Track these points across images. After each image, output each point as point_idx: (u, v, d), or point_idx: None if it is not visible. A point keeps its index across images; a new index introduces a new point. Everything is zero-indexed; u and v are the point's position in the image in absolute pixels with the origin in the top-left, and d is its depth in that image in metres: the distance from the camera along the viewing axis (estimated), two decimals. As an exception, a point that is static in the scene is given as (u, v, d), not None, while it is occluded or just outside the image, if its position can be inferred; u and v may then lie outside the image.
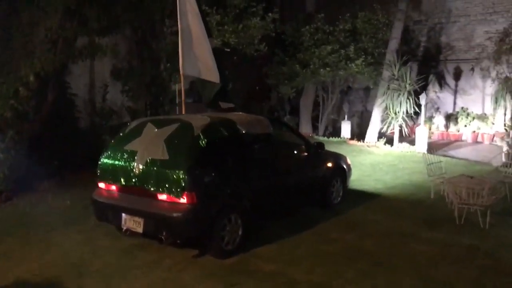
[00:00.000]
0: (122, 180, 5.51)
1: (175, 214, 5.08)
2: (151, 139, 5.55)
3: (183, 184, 5.02)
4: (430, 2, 18.17)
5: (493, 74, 15.24)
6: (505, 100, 16.33)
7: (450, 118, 17.83)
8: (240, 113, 6.72)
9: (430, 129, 17.14)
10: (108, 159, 5.71)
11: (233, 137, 5.75)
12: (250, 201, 5.73)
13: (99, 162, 5.81)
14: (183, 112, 7.56)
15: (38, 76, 8.01)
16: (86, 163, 10.19)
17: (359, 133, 16.84)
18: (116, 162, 5.60)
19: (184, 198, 5.07)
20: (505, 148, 11.71)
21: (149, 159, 5.33)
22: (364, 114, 20.02)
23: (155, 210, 5.23)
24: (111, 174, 5.65)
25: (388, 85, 14.04)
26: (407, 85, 13.68)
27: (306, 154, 6.96)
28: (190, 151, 5.23)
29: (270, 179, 6.20)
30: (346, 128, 16.20)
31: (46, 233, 6.41)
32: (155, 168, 5.24)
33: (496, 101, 16.51)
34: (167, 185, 5.12)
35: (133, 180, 5.39)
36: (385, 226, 6.67)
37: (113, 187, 5.69)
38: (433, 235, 6.32)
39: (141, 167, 5.34)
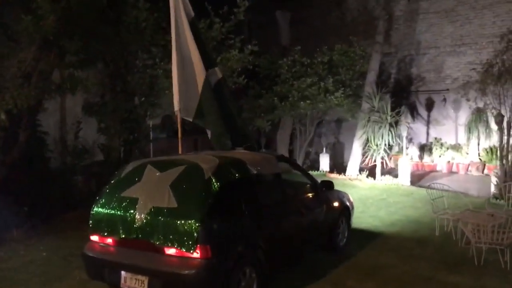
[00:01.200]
0: (120, 232, 4.80)
1: (186, 271, 4.41)
2: (154, 184, 4.90)
3: (196, 236, 4.38)
4: (399, 35, 18.38)
5: (469, 103, 15.34)
6: (478, 131, 16.51)
7: (424, 148, 17.82)
8: (243, 151, 6.18)
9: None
10: (103, 208, 5.00)
11: (245, 179, 5.18)
12: (263, 250, 5.13)
13: (92, 212, 5.08)
14: (181, 151, 6.93)
15: (9, 114, 7.22)
16: (58, 207, 9.37)
17: (333, 165, 16.55)
18: (113, 212, 4.89)
19: (197, 253, 4.42)
20: (494, 179, 11.59)
21: (153, 208, 4.66)
22: (336, 146, 19.85)
23: (162, 267, 4.54)
24: (107, 226, 4.93)
25: (369, 117, 13.84)
26: (388, 117, 13.52)
27: (314, 193, 6.45)
28: (202, 197, 4.61)
29: (282, 223, 5.64)
30: (324, 161, 15.87)
31: (25, 295, 5.55)
32: (161, 218, 4.57)
33: (469, 131, 16.68)
34: (176, 238, 4.47)
35: (135, 232, 4.69)
36: (402, 271, 6.18)
37: (109, 240, 4.96)
38: (456, 279, 5.88)
39: (143, 217, 4.66)
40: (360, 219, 9.01)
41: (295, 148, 17.71)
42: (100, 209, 5.01)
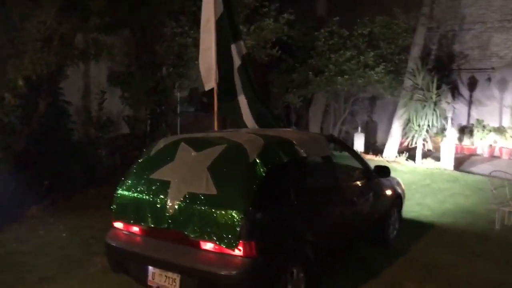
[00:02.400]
0: (149, 220, 4.10)
1: (226, 272, 3.70)
2: (189, 166, 4.16)
3: (239, 230, 3.65)
4: (442, 8, 17.11)
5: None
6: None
7: (464, 130, 16.76)
8: (289, 129, 5.39)
9: (441, 141, 16.05)
10: (129, 191, 4.30)
11: (294, 163, 4.41)
12: (313, 246, 4.39)
13: (116, 194, 4.39)
14: (216, 127, 6.18)
15: (28, 81, 6.56)
16: (81, 182, 8.79)
17: (366, 146, 15.65)
18: (140, 196, 4.19)
19: (239, 250, 3.69)
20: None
21: (187, 194, 3.94)
22: (369, 125, 18.89)
23: (197, 265, 3.83)
24: (133, 212, 4.24)
25: (411, 95, 12.83)
26: (433, 96, 12.50)
27: (367, 180, 5.64)
28: (246, 183, 3.85)
29: (333, 214, 4.88)
30: (359, 141, 14.97)
31: (37, 285, 4.93)
32: (197, 207, 3.85)
33: (516, 113, 15.57)
34: (215, 231, 3.75)
35: (165, 221, 3.99)
36: (466, 273, 5.37)
37: (136, 229, 4.27)
38: (533, 284, 5.06)
39: (176, 204, 3.95)
40: (407, 207, 8.12)
41: (327, 126, 16.85)
42: (125, 192, 4.31)
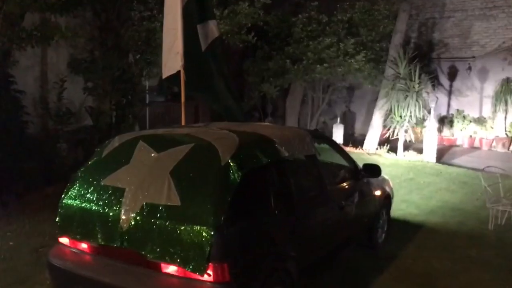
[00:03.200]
0: (99, 236, 3.37)
1: (193, 301, 3.02)
2: (148, 170, 3.44)
3: (209, 250, 2.96)
4: (421, -4, 16.67)
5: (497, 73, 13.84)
6: (506, 103, 15.06)
7: (444, 121, 16.43)
8: (267, 124, 4.71)
9: (420, 132, 15.63)
10: (75, 200, 3.55)
11: (274, 166, 3.73)
12: (296, 260, 3.74)
13: (60, 204, 3.64)
14: (184, 121, 5.43)
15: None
16: (36, 180, 7.95)
17: (345, 137, 15.11)
18: (89, 207, 3.46)
19: (209, 274, 3.00)
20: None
21: (145, 205, 3.23)
22: (347, 116, 18.37)
23: (157, 292, 3.14)
24: (81, 226, 3.50)
25: (393, 85, 12.29)
26: (416, 85, 11.98)
27: (355, 180, 5.01)
28: (218, 192, 3.15)
29: (319, 223, 4.23)
30: (338, 132, 14.38)
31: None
32: (156, 221, 3.14)
33: (496, 102, 15.23)
34: (178, 251, 3.05)
35: (119, 238, 3.27)
36: (464, 281, 4.83)
37: (84, 246, 3.53)
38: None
39: (132, 217, 3.23)
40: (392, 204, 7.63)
41: (304, 116, 16.23)
42: (71, 202, 3.57)
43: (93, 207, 3.43)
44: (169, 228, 3.09)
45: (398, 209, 7.43)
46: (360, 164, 5.20)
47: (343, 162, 5.14)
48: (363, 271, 5.01)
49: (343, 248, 4.89)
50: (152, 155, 3.53)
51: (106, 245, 3.35)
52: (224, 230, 3.03)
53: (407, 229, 6.53)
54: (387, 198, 5.79)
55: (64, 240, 3.63)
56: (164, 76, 5.64)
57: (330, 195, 4.41)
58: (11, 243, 5.66)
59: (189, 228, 3.02)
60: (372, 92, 16.19)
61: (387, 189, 5.84)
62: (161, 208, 3.17)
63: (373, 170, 5.07)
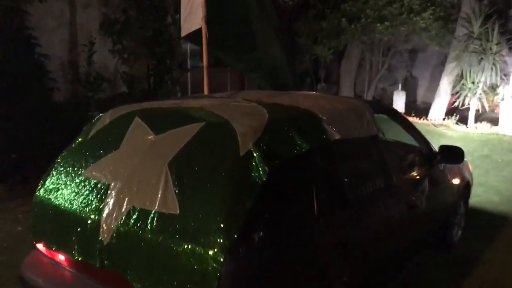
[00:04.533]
0: (75, 248, 2.46)
1: None
2: (141, 158, 2.46)
3: (217, 284, 1.97)
4: None
5: None
6: None
7: (520, 87, 14.49)
8: (315, 93, 3.61)
9: (492, 101, 13.84)
10: (51, 194, 2.66)
11: (319, 154, 2.64)
12: (349, 277, 2.69)
13: (34, 199, 2.76)
14: (206, 91, 4.41)
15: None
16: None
17: (406, 106, 13.62)
18: (66, 206, 2.55)
19: (217, 317, 2.03)
20: None
21: (133, 210, 2.27)
22: (409, 82, 16.73)
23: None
24: (56, 231, 2.62)
25: (465, 46, 10.67)
26: (494, 46, 10.32)
27: (428, 167, 3.83)
28: (233, 197, 2.12)
29: (380, 228, 3.13)
30: (400, 100, 12.94)
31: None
32: (145, 235, 2.18)
33: None
34: (174, 281, 2.09)
35: (98, 254, 2.34)
36: None
37: (62, 258, 2.64)
38: None
39: (115, 226, 2.28)
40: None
41: (361, 82, 14.81)
42: (46, 197, 2.67)
43: (70, 207, 2.51)
44: (162, 246, 2.13)
45: (474, 195, 6.11)
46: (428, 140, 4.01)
47: (413, 142, 3.96)
48: (433, 282, 3.91)
49: (410, 255, 3.78)
50: (149, 137, 2.54)
51: (83, 261, 2.44)
52: (240, 254, 2.04)
53: (488, 222, 5.32)
54: (467, 187, 4.59)
55: (41, 246, 2.76)
56: (182, 35, 4.62)
57: (396, 191, 3.28)
58: (19, 228, 4.97)
59: (189, 250, 2.04)
60: (438, 55, 14.53)
61: (467, 175, 4.62)
62: (153, 217, 2.20)
63: (454, 154, 3.85)
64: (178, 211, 2.15)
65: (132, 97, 8.94)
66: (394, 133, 4.10)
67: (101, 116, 2.92)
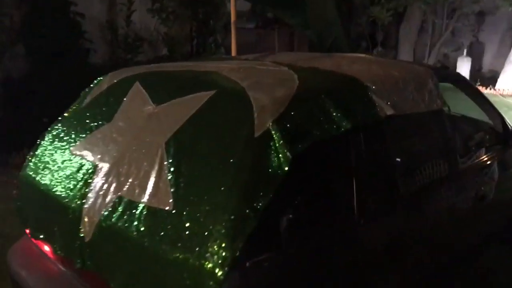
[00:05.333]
0: (57, 241, 2.02)
1: None
2: (135, 134, 1.95)
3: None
4: None
5: None
6: None
7: None
8: (364, 56, 2.95)
9: None
10: (37, 173, 2.22)
11: (364, 134, 2.02)
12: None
13: (20, 177, 2.34)
14: (234, 51, 3.80)
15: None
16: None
17: (471, 74, 12.44)
18: (50, 188, 2.10)
19: None
20: None
21: (118, 200, 1.78)
22: (474, 48, 15.34)
23: None
24: (41, 218, 2.19)
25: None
26: None
27: (503, 149, 3.12)
28: (242, 193, 1.57)
29: (442, 227, 2.49)
30: (464, 67, 11.81)
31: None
32: (131, 234, 1.68)
33: None
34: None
35: (78, 251, 1.88)
36: None
37: (48, 249, 2.21)
38: None
39: (97, 220, 1.81)
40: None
41: (422, 48, 13.67)
42: (31, 177, 2.24)
43: (55, 191, 2.07)
44: (149, 251, 1.63)
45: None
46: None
47: (485, 119, 3.25)
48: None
49: (479, 253, 3.13)
50: (147, 108, 2.02)
51: (66, 256, 2.00)
52: (246, 270, 1.51)
53: None
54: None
55: (29, 232, 2.34)
56: None
57: (463, 179, 2.62)
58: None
59: (180, 259, 1.54)
60: (509, 18, 13.13)
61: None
62: (141, 211, 1.71)
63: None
64: (171, 207, 1.64)
65: (174, 60, 8.53)
66: (462, 107, 3.39)
67: (100, 79, 2.43)
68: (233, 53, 3.73)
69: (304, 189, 1.76)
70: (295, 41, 11.59)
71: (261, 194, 1.57)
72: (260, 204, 1.55)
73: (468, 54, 13.37)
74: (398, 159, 2.16)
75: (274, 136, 1.65)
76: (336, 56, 2.78)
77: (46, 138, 2.29)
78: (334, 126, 1.84)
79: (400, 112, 2.17)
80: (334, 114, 1.86)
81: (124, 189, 1.80)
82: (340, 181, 1.90)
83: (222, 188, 1.59)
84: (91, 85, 2.44)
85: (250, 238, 1.51)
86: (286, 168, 1.61)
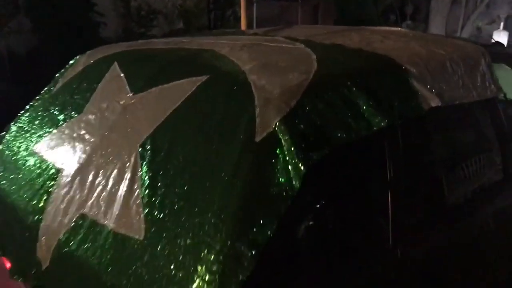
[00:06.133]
0: (13, 263, 1.63)
1: None
2: (107, 131, 1.53)
3: None
4: None
5: None
6: None
7: None
8: (398, 29, 2.45)
9: None
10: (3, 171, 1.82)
11: (403, 133, 1.54)
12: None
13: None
14: (244, 25, 3.30)
15: None
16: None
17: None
18: (10, 194, 1.70)
19: None
20: None
21: (80, 219, 1.37)
22: (509, 21, 14.38)
23: None
24: (1, 231, 1.79)
25: None
26: None
27: None
28: (233, 225, 1.14)
29: (497, 246, 2.02)
30: (501, 41, 10.99)
31: None
32: (96, 267, 1.27)
33: None
34: None
35: (34, 271, 1.48)
36: None
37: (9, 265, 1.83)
38: None
39: (55, 242, 1.40)
40: None
41: (454, 21, 12.85)
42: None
43: (13, 199, 1.67)
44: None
45: None
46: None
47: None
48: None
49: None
50: (123, 97, 1.59)
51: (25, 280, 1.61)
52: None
53: None
54: None
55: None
56: None
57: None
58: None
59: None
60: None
61: None
62: (106, 238, 1.29)
63: None
64: (142, 236, 1.22)
65: (190, 34, 8.08)
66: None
67: (77, 58, 2.00)
68: (243, 26, 3.24)
69: (321, 213, 1.31)
70: (319, 14, 10.94)
71: (262, 222, 1.14)
72: (261, 237, 1.12)
73: (504, 28, 12.48)
74: (446, 165, 1.68)
75: (282, 140, 1.21)
76: (364, 30, 2.27)
77: (10, 132, 1.89)
78: (364, 125, 1.38)
79: (448, 102, 1.69)
80: (364, 108, 1.40)
81: (88, 205, 1.39)
82: (371, 200, 1.44)
83: (208, 214, 1.16)
84: (66, 66, 2.01)
85: (245, 285, 1.09)
86: (298, 185, 1.17)
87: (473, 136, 1.99)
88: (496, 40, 10.77)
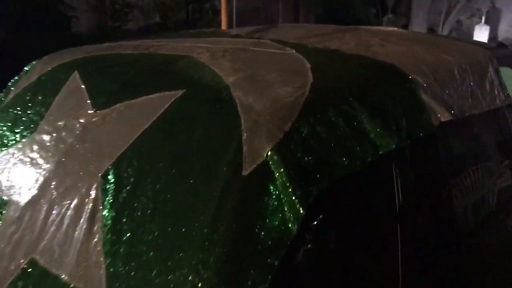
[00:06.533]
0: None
1: None
2: (63, 156, 1.27)
3: None
4: None
5: None
6: None
7: None
8: (398, 30, 2.23)
9: None
10: None
11: (413, 155, 1.33)
12: None
13: None
14: (224, 24, 3.01)
15: None
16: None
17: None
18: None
19: None
20: None
21: (32, 268, 1.12)
22: (491, 15, 14.40)
23: None
24: None
25: None
26: None
27: None
28: (219, 282, 0.91)
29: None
30: (482, 36, 10.95)
31: None
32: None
33: None
34: None
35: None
36: None
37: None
38: None
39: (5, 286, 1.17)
40: None
41: (435, 15, 12.79)
42: None
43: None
44: None
45: None
46: None
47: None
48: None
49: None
50: (84, 113, 1.34)
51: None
52: None
53: None
54: None
55: None
56: None
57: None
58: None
59: None
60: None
61: None
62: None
63: None
64: (103, 294, 0.99)
65: (167, 28, 7.76)
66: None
67: (32, 65, 1.73)
68: (223, 25, 2.96)
69: (321, 264, 1.09)
70: (301, 11, 10.70)
71: (252, 280, 0.91)
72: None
73: (486, 22, 12.45)
74: (461, 190, 1.48)
75: (275, 174, 0.98)
76: (359, 31, 2.05)
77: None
78: (369, 149, 1.16)
79: (457, 115, 1.49)
80: (369, 128, 1.18)
81: (40, 248, 1.14)
82: (378, 239, 1.22)
83: (184, 270, 0.93)
84: (20, 74, 1.74)
85: None
86: (295, 230, 0.95)
87: (486, 153, 1.79)
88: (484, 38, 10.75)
